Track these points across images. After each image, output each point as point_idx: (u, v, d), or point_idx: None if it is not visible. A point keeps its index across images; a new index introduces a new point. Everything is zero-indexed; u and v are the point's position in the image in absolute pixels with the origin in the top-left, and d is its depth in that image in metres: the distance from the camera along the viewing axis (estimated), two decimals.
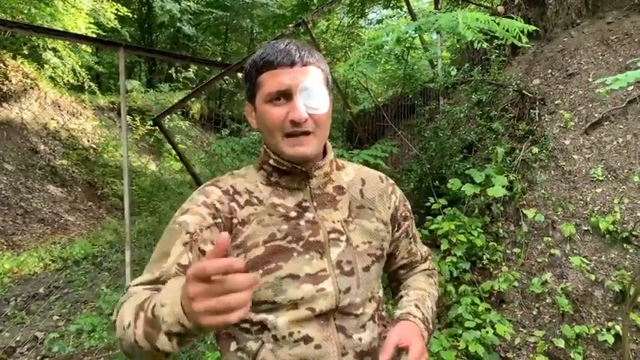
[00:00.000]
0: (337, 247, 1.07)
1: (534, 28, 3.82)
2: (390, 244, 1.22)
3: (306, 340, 1.01)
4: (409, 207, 1.30)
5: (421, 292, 1.24)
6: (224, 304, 0.67)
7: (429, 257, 1.37)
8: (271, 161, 1.10)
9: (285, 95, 1.03)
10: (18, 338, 4.24)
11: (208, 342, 3.82)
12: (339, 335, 1.04)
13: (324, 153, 1.15)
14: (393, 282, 1.36)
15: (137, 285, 0.98)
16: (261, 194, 1.10)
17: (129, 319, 0.85)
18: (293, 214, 1.08)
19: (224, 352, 1.08)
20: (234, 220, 1.05)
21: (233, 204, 1.07)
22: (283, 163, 1.08)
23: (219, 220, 1.04)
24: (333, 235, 1.08)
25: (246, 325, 1.04)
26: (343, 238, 1.09)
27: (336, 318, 1.04)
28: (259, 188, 1.11)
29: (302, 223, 1.07)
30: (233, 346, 1.06)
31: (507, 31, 3.66)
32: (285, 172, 1.10)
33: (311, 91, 1.03)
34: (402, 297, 1.25)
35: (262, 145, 1.15)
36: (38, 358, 3.92)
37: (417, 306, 1.17)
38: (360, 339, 1.06)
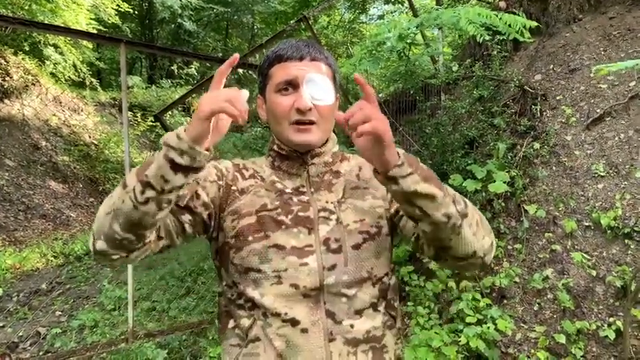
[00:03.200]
0: (326, 225, 1.09)
1: (536, 24, 3.80)
2: (394, 216, 1.15)
3: (293, 322, 1.02)
4: None
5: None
6: (224, 94, 0.88)
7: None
8: (275, 147, 1.19)
9: (293, 85, 1.10)
10: (21, 334, 4.26)
11: (210, 337, 3.84)
12: (327, 320, 1.03)
13: (326, 142, 1.20)
14: (427, 246, 1.12)
15: None
16: (264, 174, 1.19)
17: (118, 186, 0.98)
18: (288, 191, 1.14)
19: (224, 329, 1.13)
20: (233, 188, 1.14)
21: (237, 174, 1.17)
22: (283, 147, 1.16)
23: (221, 183, 1.14)
24: (323, 214, 1.10)
25: (241, 301, 1.08)
26: (333, 217, 1.11)
27: (326, 301, 1.04)
28: (264, 170, 1.20)
29: (294, 199, 1.12)
30: (231, 323, 1.10)
31: (510, 26, 3.65)
32: (286, 157, 1.17)
33: (317, 83, 1.08)
34: None
35: (271, 134, 1.22)
36: (41, 353, 3.93)
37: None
38: (352, 325, 1.04)
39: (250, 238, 1.06)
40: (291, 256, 1.04)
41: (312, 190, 1.15)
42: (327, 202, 1.13)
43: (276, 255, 1.04)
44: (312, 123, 1.10)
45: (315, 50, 1.13)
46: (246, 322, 1.06)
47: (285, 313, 1.02)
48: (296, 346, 1.02)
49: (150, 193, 0.91)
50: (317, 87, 1.08)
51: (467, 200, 1.07)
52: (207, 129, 0.90)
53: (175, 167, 0.90)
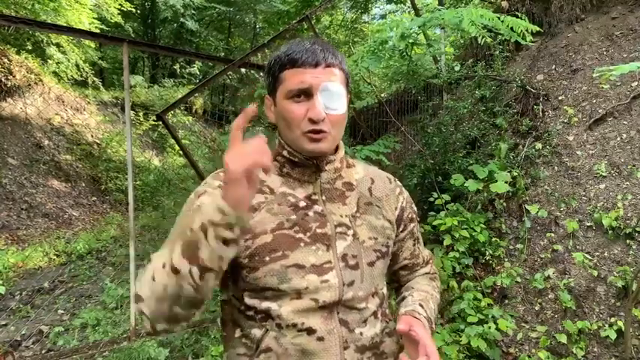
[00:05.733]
0: (344, 240, 1.10)
1: (538, 28, 3.79)
2: (394, 244, 1.24)
3: (309, 331, 1.03)
4: (415, 209, 1.33)
5: (424, 293, 1.25)
6: (249, 146, 0.85)
7: (431, 261, 1.39)
8: (285, 153, 1.13)
9: (306, 93, 1.06)
10: (23, 332, 4.27)
11: (212, 336, 3.85)
12: (342, 329, 1.05)
13: (336, 149, 1.18)
14: (394, 283, 1.38)
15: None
16: (272, 183, 1.13)
17: (159, 263, 0.93)
18: (302, 204, 1.11)
19: (229, 338, 1.11)
20: None
21: None
22: (296, 155, 1.11)
23: None
24: (339, 229, 1.10)
25: (251, 313, 1.06)
26: (350, 232, 1.11)
27: (340, 311, 1.06)
28: (271, 178, 1.14)
29: (310, 214, 1.10)
30: (238, 332, 1.09)
31: (512, 29, 3.65)
32: (297, 164, 1.13)
33: (331, 92, 1.06)
34: (405, 297, 1.25)
35: (277, 137, 1.18)
36: (43, 351, 3.95)
37: (421, 305, 1.18)
38: (362, 333, 1.07)
39: (267, 259, 1.04)
40: (311, 274, 1.04)
41: (324, 198, 1.13)
42: (342, 215, 1.12)
43: (296, 274, 1.03)
44: (324, 132, 1.07)
45: (330, 55, 1.08)
46: (257, 332, 1.05)
47: (302, 323, 1.03)
48: (312, 353, 1.02)
49: (209, 275, 0.90)
50: (331, 97, 1.06)
51: (438, 297, 1.32)
52: (246, 189, 0.86)
53: (228, 242, 0.88)
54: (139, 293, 0.96)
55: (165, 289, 0.91)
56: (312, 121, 1.05)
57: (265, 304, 1.04)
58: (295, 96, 1.06)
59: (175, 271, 0.89)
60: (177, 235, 0.93)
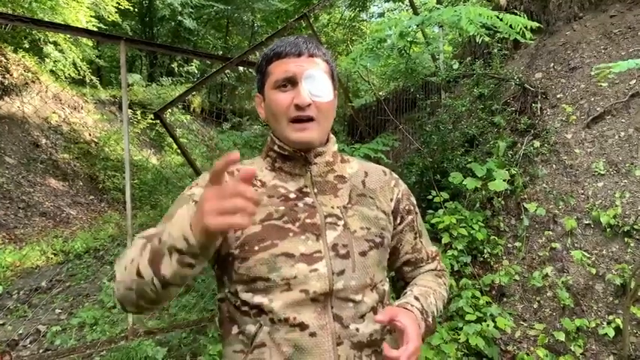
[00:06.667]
0: (334, 230, 1.09)
1: (537, 24, 3.79)
2: (392, 237, 1.23)
3: (302, 326, 1.02)
4: (414, 202, 1.30)
5: (425, 288, 1.23)
6: (231, 204, 0.75)
7: (437, 257, 1.35)
8: (276, 147, 1.16)
9: (291, 82, 1.10)
10: (20, 331, 4.26)
11: (210, 335, 3.84)
12: (335, 324, 1.04)
13: (327, 142, 1.20)
14: (400, 281, 1.35)
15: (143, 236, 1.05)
16: (264, 178, 1.16)
17: (133, 255, 0.93)
18: (292, 196, 1.13)
19: (226, 335, 1.11)
20: None
21: None
22: (286, 148, 1.14)
23: None
24: (329, 219, 1.11)
25: (246, 308, 1.06)
26: (340, 222, 1.11)
27: (334, 306, 1.04)
28: (264, 173, 1.17)
29: (300, 205, 1.11)
30: (235, 329, 1.09)
31: (511, 27, 3.65)
32: (288, 158, 1.15)
33: (315, 79, 1.09)
34: (405, 293, 1.24)
35: (269, 134, 1.20)
36: (41, 351, 3.94)
37: (416, 298, 1.16)
38: (357, 329, 1.05)
39: (256, 248, 1.05)
40: (300, 263, 1.04)
41: (316, 190, 1.14)
42: (333, 207, 1.13)
43: (285, 263, 1.03)
44: (310, 119, 1.09)
45: (313, 46, 1.13)
46: (251, 328, 1.05)
47: (294, 318, 1.02)
48: (304, 349, 1.01)
49: (171, 287, 0.90)
50: (316, 83, 1.09)
51: (444, 294, 1.29)
52: (217, 237, 0.85)
53: (190, 265, 0.87)
54: (116, 271, 0.98)
55: (132, 283, 0.92)
56: (298, 107, 1.08)
57: (257, 299, 1.04)
58: (281, 85, 1.10)
59: (140, 275, 0.89)
60: (157, 234, 0.93)
